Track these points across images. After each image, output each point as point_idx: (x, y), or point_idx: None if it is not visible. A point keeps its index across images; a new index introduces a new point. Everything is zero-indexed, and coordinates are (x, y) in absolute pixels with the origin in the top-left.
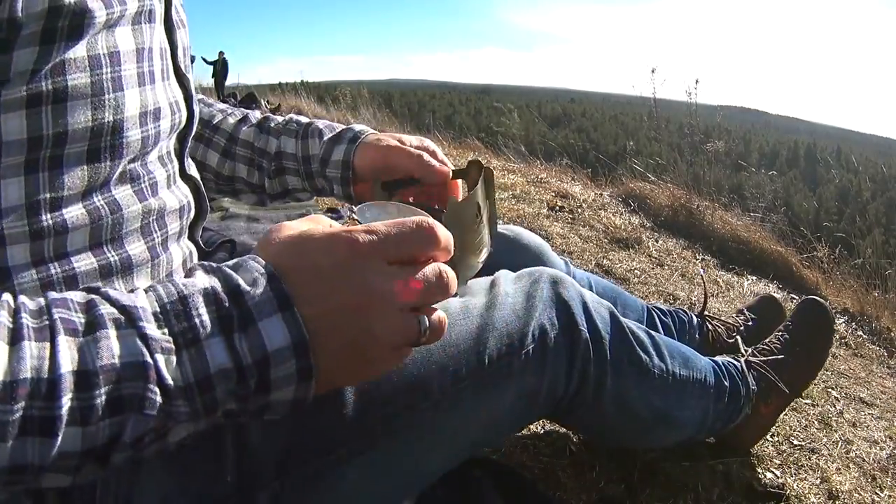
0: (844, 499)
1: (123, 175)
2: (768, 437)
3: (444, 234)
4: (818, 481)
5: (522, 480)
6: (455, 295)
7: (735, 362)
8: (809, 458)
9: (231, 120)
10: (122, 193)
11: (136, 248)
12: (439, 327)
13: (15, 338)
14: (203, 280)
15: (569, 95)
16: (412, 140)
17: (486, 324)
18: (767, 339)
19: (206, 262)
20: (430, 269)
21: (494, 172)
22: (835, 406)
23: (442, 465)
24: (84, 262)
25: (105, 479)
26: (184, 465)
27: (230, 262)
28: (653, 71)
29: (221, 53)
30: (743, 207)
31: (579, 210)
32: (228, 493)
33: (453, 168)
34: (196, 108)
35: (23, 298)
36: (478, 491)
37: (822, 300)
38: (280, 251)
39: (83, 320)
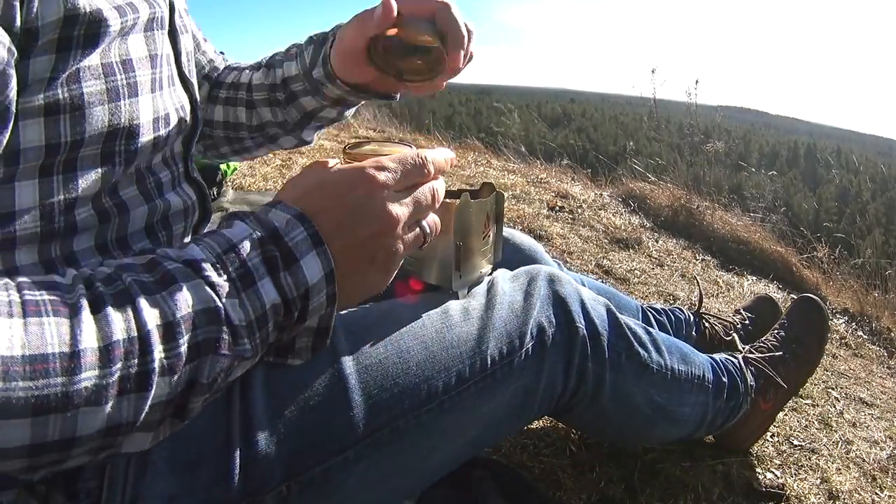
0: (844, 499)
1: (130, 176)
2: (768, 437)
3: (434, 161)
4: (818, 481)
5: (523, 480)
6: (457, 297)
7: (733, 359)
8: (809, 459)
9: (248, 72)
10: (130, 195)
11: (141, 248)
12: (436, 227)
13: (98, 306)
14: (243, 228)
15: (569, 95)
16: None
17: (486, 325)
18: (764, 338)
19: (239, 212)
20: (426, 188)
21: (495, 172)
22: (835, 406)
23: (445, 464)
24: (92, 263)
25: (111, 479)
26: (190, 467)
27: (261, 210)
28: (653, 71)
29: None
30: (743, 207)
31: (579, 210)
32: (235, 495)
33: (468, 188)
34: (200, 113)
35: (90, 271)
36: (478, 491)
37: (815, 297)
38: (305, 195)
39: (153, 278)
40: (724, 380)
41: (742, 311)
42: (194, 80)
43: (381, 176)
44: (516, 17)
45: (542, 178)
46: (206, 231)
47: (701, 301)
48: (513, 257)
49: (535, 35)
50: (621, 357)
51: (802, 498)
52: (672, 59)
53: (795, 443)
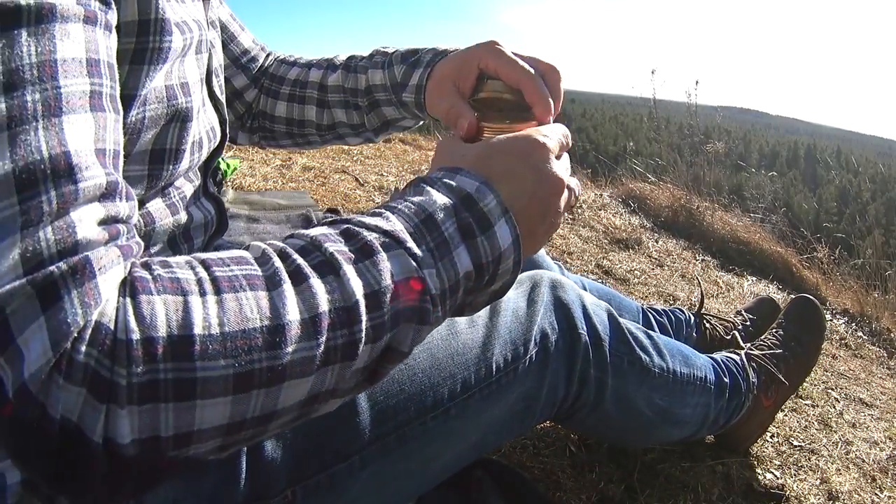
0: (844, 499)
1: (158, 191)
2: (768, 437)
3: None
4: (818, 482)
5: (523, 480)
6: None
7: (735, 357)
8: (809, 459)
9: (316, 71)
10: (156, 206)
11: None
12: (579, 188)
13: (299, 278)
14: (436, 196)
15: (569, 95)
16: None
17: (491, 332)
18: (763, 337)
19: (424, 177)
20: (567, 154)
21: None
22: (835, 407)
23: (448, 468)
24: None
25: None
26: (196, 469)
27: (442, 176)
28: (653, 72)
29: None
30: (743, 208)
31: (579, 210)
32: (240, 500)
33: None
34: (229, 131)
35: (281, 244)
36: (478, 491)
37: (811, 297)
38: (480, 162)
39: (354, 247)
40: (726, 380)
41: (743, 312)
42: (223, 99)
43: (549, 142)
44: (516, 17)
45: None
46: (395, 197)
47: (702, 302)
48: None
49: (535, 35)
50: (623, 362)
51: (802, 498)
52: (672, 59)
53: (795, 443)
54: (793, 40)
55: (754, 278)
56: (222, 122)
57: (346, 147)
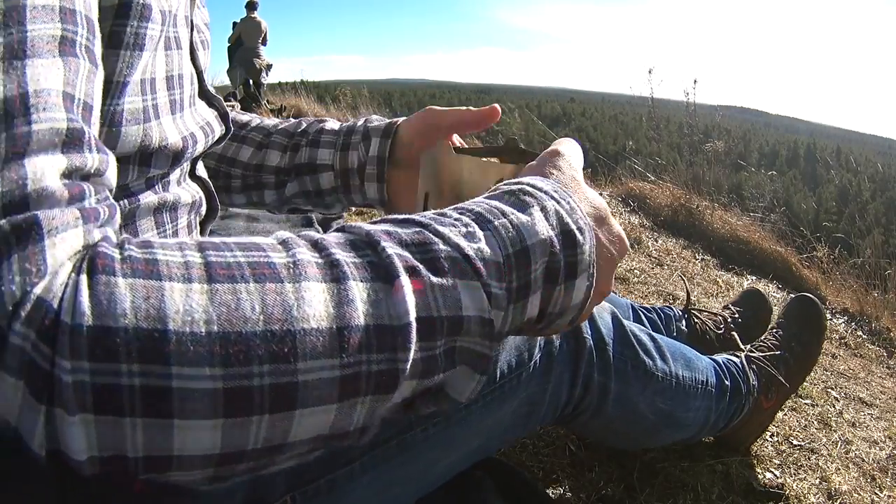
0: (844, 499)
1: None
2: (767, 436)
3: None
4: (818, 481)
5: (523, 480)
6: None
7: (735, 359)
8: (809, 458)
9: (269, 122)
10: (138, 186)
11: (147, 237)
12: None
13: (333, 275)
14: (540, 224)
15: (568, 95)
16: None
17: None
18: (763, 337)
19: (538, 177)
20: None
21: None
22: (834, 406)
23: (449, 472)
24: None
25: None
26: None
27: (555, 190)
28: (650, 71)
29: None
30: (742, 207)
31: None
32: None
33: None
34: (230, 125)
35: (318, 235)
36: (478, 491)
37: (811, 296)
38: (584, 196)
39: (422, 258)
40: (727, 382)
41: (731, 306)
42: (217, 95)
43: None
44: (516, 17)
45: None
46: (505, 183)
47: (689, 298)
48: None
49: (535, 35)
50: (626, 366)
51: (801, 498)
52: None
53: (795, 442)
54: (792, 39)
55: (754, 277)
56: (223, 116)
57: None
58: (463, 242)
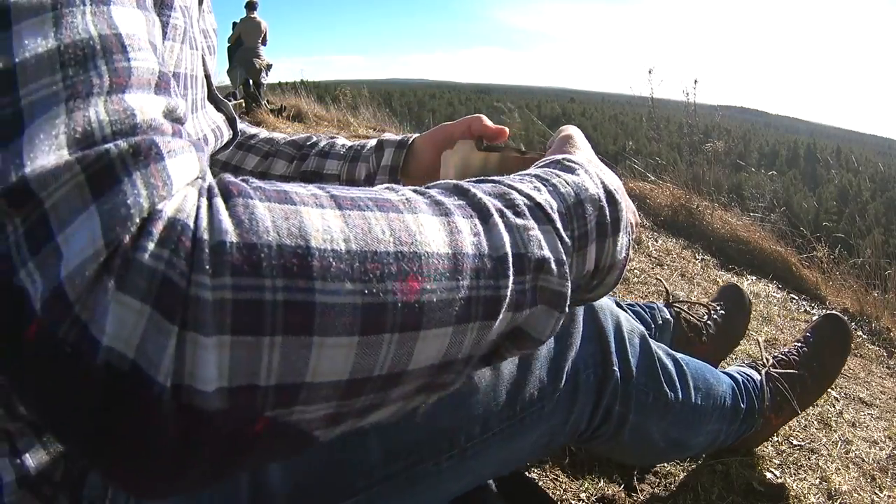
0: (844, 499)
1: None
2: None
3: None
4: (818, 481)
5: (523, 480)
6: None
7: (754, 377)
8: (809, 458)
9: (278, 135)
10: None
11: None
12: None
13: (440, 209)
14: (588, 182)
15: (568, 95)
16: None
17: (521, 368)
18: (786, 351)
19: (568, 154)
20: None
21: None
22: (834, 406)
23: (457, 494)
24: None
25: (116, 490)
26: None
27: (590, 162)
28: (650, 71)
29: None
30: (742, 207)
31: None
32: None
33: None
34: (237, 130)
35: (413, 187)
36: (478, 491)
37: (843, 318)
38: (606, 170)
39: (505, 203)
40: (743, 406)
41: (711, 303)
42: (224, 99)
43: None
44: (516, 17)
45: None
46: (545, 159)
47: (668, 292)
48: None
49: (535, 35)
50: (648, 398)
51: (801, 498)
52: (672, 58)
53: (795, 442)
54: (792, 39)
55: (754, 277)
56: (230, 120)
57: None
58: (534, 193)
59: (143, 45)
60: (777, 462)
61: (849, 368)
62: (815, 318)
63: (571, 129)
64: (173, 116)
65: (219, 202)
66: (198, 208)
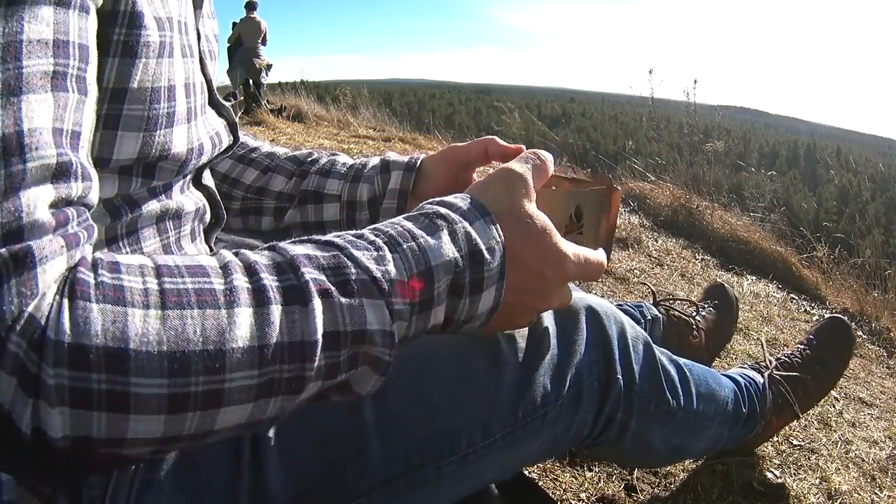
0: (844, 499)
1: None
2: None
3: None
4: (818, 481)
5: (523, 480)
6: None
7: (757, 379)
8: (809, 458)
9: (279, 149)
10: (140, 194)
11: (150, 244)
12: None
13: (259, 300)
14: (447, 246)
15: (568, 95)
16: (475, 147)
17: (523, 372)
18: (789, 353)
19: (449, 205)
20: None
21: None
22: (834, 406)
23: (458, 499)
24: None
25: (116, 490)
26: (196, 490)
27: (466, 213)
28: (650, 71)
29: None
30: (742, 207)
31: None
32: None
33: (573, 177)
34: (238, 135)
35: (254, 255)
36: (478, 490)
37: (847, 321)
38: (509, 214)
39: (335, 280)
40: (745, 410)
41: (699, 302)
42: (226, 104)
43: (574, 269)
44: (516, 17)
45: None
46: (412, 213)
47: (653, 293)
48: None
49: (535, 35)
50: (650, 406)
51: (802, 498)
52: (672, 58)
53: (795, 442)
54: (792, 39)
55: (754, 277)
56: (231, 125)
57: (345, 146)
58: (372, 266)
59: (44, 141)
60: (777, 462)
61: (849, 368)
62: (819, 319)
63: (515, 164)
64: (67, 201)
65: (65, 304)
66: (51, 308)
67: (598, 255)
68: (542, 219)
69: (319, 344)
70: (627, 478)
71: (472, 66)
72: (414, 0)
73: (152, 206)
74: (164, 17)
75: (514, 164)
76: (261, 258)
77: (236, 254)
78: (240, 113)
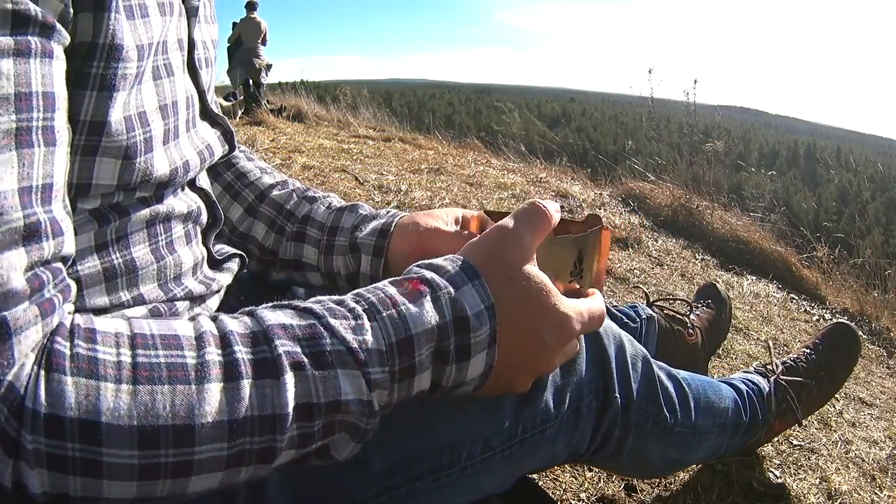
0: (844, 499)
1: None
2: None
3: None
4: (818, 481)
5: (522, 480)
6: None
7: (760, 384)
8: (809, 458)
9: (267, 179)
10: (129, 202)
11: (139, 249)
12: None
13: (230, 374)
14: (429, 314)
15: (568, 95)
16: (447, 216)
17: (526, 391)
18: (794, 357)
19: (437, 269)
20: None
21: (495, 172)
22: (834, 406)
23: None
24: (88, 265)
25: None
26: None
27: (455, 275)
28: (650, 71)
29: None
30: (742, 207)
31: (579, 210)
32: None
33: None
34: (234, 143)
35: (231, 324)
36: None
37: (854, 328)
38: (510, 296)
39: (309, 352)
40: (746, 419)
41: (692, 302)
42: (220, 112)
43: (578, 327)
44: (516, 18)
45: (541, 178)
46: (392, 284)
47: (647, 295)
48: None
49: (535, 35)
50: (647, 422)
51: (802, 497)
52: (672, 58)
53: (795, 442)
54: (792, 39)
55: (754, 277)
56: (226, 134)
57: (345, 146)
58: (349, 336)
59: (9, 205)
60: (777, 462)
61: None
62: (819, 320)
63: (519, 219)
64: (41, 262)
65: (42, 376)
66: (29, 378)
67: (598, 303)
68: (539, 279)
69: (290, 417)
70: (627, 478)
71: (472, 66)
72: (415, 0)
73: (141, 212)
74: (144, 44)
75: (510, 221)
76: (237, 327)
77: (214, 319)
78: (240, 112)
